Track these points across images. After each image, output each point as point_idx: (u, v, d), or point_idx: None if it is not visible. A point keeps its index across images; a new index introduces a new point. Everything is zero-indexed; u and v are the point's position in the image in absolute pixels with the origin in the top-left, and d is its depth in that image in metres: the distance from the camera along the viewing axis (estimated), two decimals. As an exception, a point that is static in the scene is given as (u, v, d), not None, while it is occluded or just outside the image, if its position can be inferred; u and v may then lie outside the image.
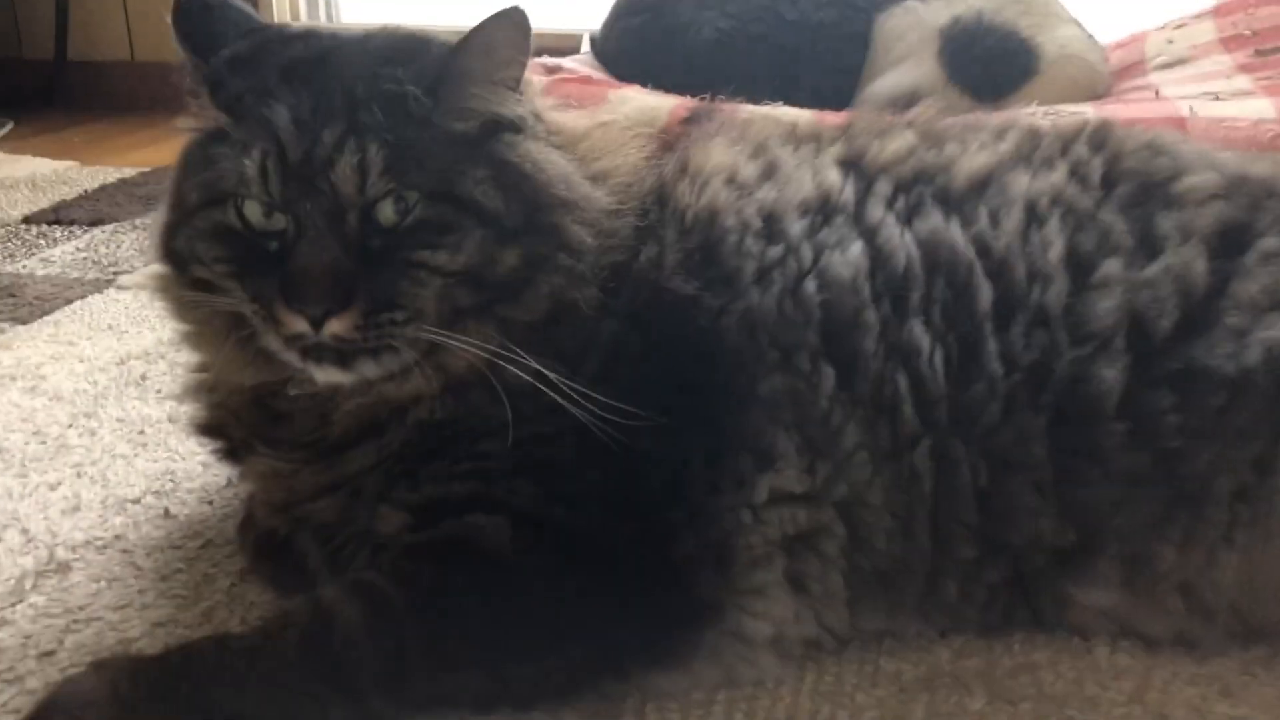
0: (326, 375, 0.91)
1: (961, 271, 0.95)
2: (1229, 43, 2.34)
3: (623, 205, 0.99)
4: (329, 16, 3.51)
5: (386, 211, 0.88)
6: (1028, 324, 0.93)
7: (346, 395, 0.94)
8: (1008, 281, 0.94)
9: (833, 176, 1.02)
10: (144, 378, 1.52)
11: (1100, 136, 1.07)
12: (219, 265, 0.92)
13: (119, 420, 1.40)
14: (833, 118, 1.78)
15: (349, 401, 0.94)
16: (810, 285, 0.94)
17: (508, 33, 0.90)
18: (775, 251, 0.96)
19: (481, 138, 0.92)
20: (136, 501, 1.21)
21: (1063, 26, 2.29)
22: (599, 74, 2.32)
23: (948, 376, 0.92)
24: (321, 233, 0.87)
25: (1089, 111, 1.89)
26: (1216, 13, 2.47)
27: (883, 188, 1.01)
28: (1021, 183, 1.01)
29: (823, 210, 1.00)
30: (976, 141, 1.06)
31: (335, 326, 0.87)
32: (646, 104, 1.98)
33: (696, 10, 2.27)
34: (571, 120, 1.08)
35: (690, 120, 1.87)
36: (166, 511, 1.19)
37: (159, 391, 1.48)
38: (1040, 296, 0.94)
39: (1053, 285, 0.94)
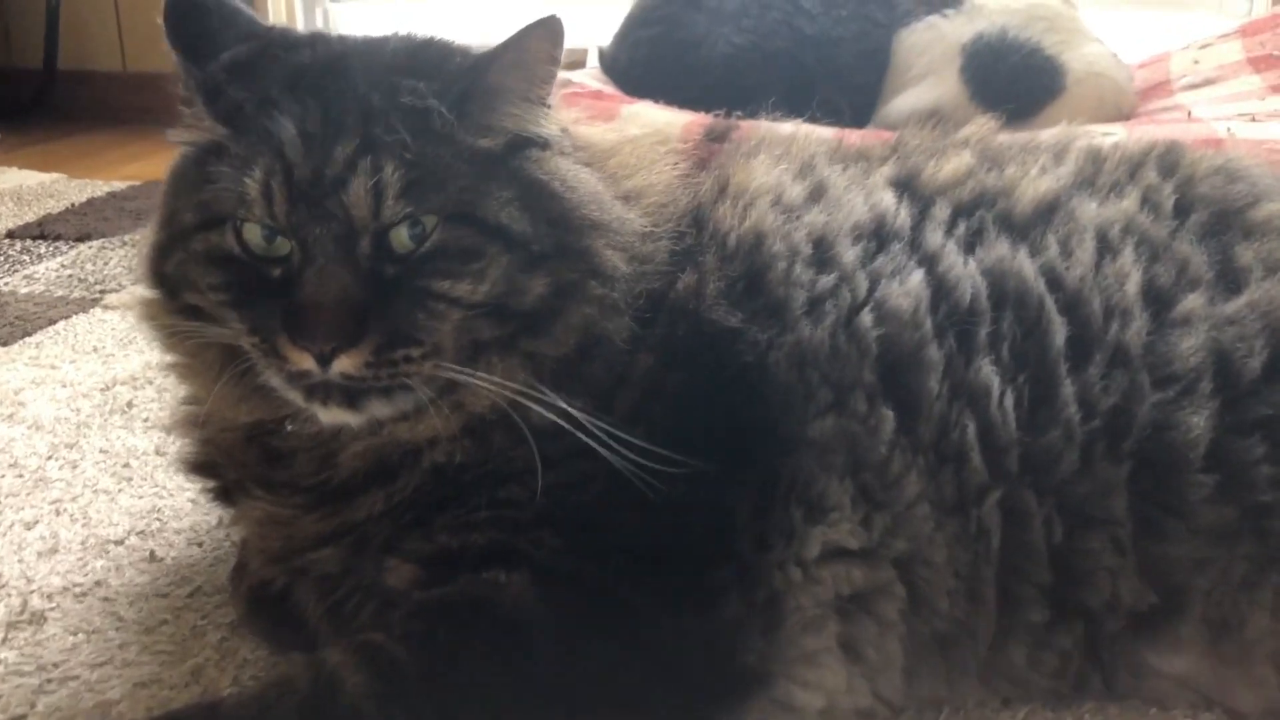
0: (332, 416, 0.82)
1: (1032, 305, 0.87)
2: (1258, 63, 2.28)
3: (657, 227, 0.91)
4: (325, 26, 3.43)
5: (403, 237, 0.80)
6: (1106, 364, 0.85)
7: (354, 435, 0.86)
8: (1083, 317, 0.86)
9: (886, 199, 0.94)
10: (130, 405, 1.42)
11: (1170, 160, 1.00)
12: (215, 293, 0.83)
13: (102, 452, 1.30)
14: (854, 137, 1.70)
15: (356, 442, 0.86)
16: (866, 318, 0.86)
17: (544, 45, 0.82)
18: (827, 280, 0.88)
19: (507, 154, 0.84)
20: (120, 543, 1.12)
21: (1088, 44, 2.23)
22: (609, 88, 2.24)
23: (1019, 421, 0.84)
24: (331, 260, 0.78)
25: (1119, 132, 1.82)
26: (1243, 33, 2.41)
27: (941, 211, 0.93)
28: (1090, 210, 0.93)
29: (877, 235, 0.91)
30: (1037, 164, 0.99)
31: (344, 364, 0.78)
32: (659, 120, 1.90)
33: (711, 24, 2.19)
34: (599, 135, 1.00)
35: (707, 137, 1.80)
36: (152, 554, 1.09)
37: (146, 420, 1.38)
38: (1119, 334, 0.85)
39: (1132, 322, 0.86)
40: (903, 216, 0.93)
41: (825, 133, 1.70)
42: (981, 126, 1.06)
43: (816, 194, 0.95)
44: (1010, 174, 0.97)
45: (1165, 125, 1.98)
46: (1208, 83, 2.28)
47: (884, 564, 0.83)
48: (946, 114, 2.12)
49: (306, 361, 0.79)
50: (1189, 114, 2.06)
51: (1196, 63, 2.38)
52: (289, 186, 0.79)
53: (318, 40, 0.90)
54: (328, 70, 0.84)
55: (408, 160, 0.79)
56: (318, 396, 0.81)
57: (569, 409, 0.80)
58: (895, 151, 1.02)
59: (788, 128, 1.73)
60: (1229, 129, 1.84)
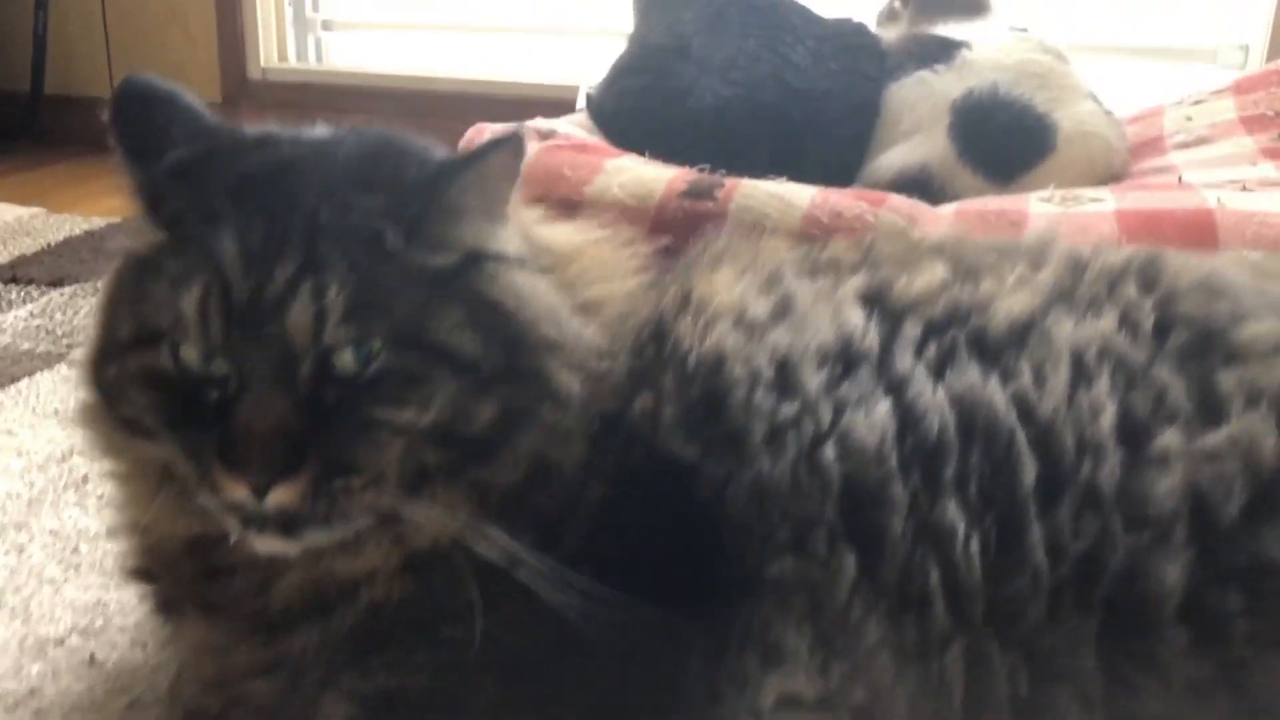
0: (268, 545, 0.79)
1: (1002, 440, 0.83)
2: (1250, 123, 2.25)
3: (616, 343, 0.88)
4: (318, 58, 3.40)
5: (346, 360, 0.76)
6: (1077, 506, 0.81)
7: (290, 565, 0.82)
8: (1054, 454, 0.82)
9: (855, 318, 0.90)
10: (85, 480, 1.38)
11: (1151, 274, 0.95)
12: (149, 414, 0.80)
13: (52, 533, 1.26)
14: (837, 196, 1.67)
15: (293, 573, 0.82)
16: (829, 451, 0.82)
17: (506, 163, 0.80)
18: (789, 409, 0.84)
19: (459, 271, 0.81)
20: (60, 643, 1.07)
21: (1081, 101, 2.19)
22: (595, 139, 2.20)
23: (985, 566, 0.80)
24: (267, 386, 0.75)
25: (1108, 198, 1.79)
26: (1236, 89, 2.38)
27: (911, 330, 0.90)
28: (1066, 330, 0.89)
29: (843, 358, 0.88)
30: (1014, 274, 0.95)
31: (281, 495, 0.75)
32: (644, 175, 1.87)
33: (699, 75, 2.16)
34: (562, 238, 0.97)
35: (689, 193, 1.77)
36: (92, 658, 1.05)
37: (100, 497, 1.34)
38: (1091, 473, 0.82)
39: (1105, 460, 0.82)
40: (871, 336, 0.89)
41: (809, 191, 1.68)
42: (955, 231, 1.03)
43: (782, 310, 0.91)
44: (986, 288, 0.93)
45: (1157, 191, 1.94)
46: (1200, 142, 2.24)
47: (842, 714, 0.79)
48: (934, 172, 2.12)
49: (241, 492, 0.75)
50: (1179, 178, 2.02)
51: (1189, 119, 2.35)
52: (227, 307, 0.75)
53: (267, 143, 0.86)
54: (274, 180, 0.81)
55: (354, 282, 0.76)
56: (253, 525, 0.78)
57: (516, 547, 0.77)
58: (866, 259, 0.98)
59: (772, 186, 1.72)
60: (1219, 198, 1.80)
